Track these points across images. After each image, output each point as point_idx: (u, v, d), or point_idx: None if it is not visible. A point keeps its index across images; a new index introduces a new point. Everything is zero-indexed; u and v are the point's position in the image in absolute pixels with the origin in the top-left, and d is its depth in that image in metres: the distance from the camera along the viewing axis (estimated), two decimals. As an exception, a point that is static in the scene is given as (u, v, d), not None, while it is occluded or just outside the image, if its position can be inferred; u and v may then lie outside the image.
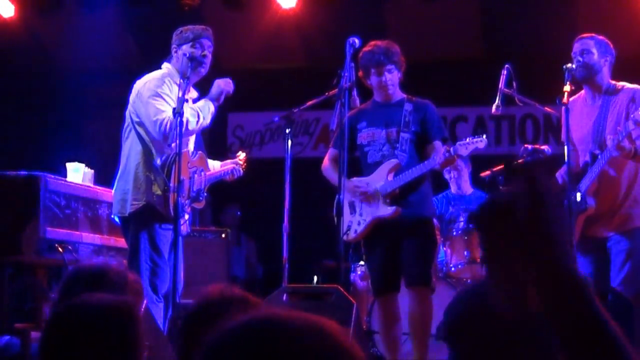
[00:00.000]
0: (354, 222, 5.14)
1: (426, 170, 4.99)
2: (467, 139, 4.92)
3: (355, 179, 5.18)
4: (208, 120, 4.89)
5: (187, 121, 4.71)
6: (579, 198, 4.94)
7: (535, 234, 1.28)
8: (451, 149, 4.88)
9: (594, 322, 1.25)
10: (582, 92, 5.12)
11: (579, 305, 1.26)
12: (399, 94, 5.22)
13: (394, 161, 5.05)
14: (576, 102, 5.02)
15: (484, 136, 4.95)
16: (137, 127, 4.82)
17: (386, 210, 5.04)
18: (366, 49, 5.11)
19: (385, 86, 5.13)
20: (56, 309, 2.09)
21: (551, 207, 1.30)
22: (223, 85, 4.96)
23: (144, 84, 4.84)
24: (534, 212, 1.28)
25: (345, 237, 5.04)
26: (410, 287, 4.99)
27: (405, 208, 5.02)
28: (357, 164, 5.25)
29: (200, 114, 4.81)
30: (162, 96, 4.75)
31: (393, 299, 5.07)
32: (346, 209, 5.09)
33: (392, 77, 5.13)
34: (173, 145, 4.62)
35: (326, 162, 5.34)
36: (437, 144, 5.06)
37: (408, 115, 5.09)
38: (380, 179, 5.07)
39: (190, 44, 4.85)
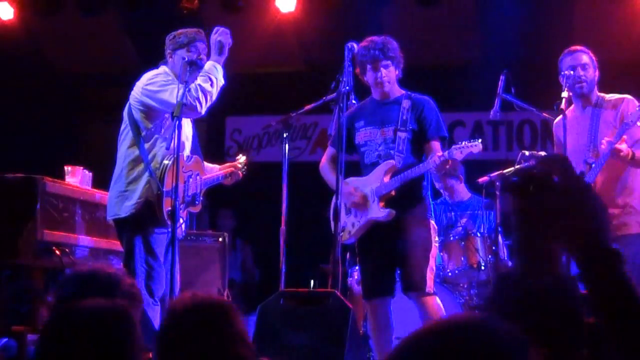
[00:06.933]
0: (349, 223, 5.08)
1: (421, 172, 4.90)
2: (462, 143, 4.82)
3: (351, 179, 5.10)
4: (222, 80, 4.83)
5: (201, 87, 4.68)
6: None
7: (573, 205, 1.36)
8: (446, 153, 4.79)
9: (625, 290, 1.35)
10: (572, 106, 5.13)
11: (612, 274, 1.35)
12: (397, 91, 5.10)
13: (390, 162, 4.96)
14: (566, 116, 5.03)
15: (479, 141, 4.85)
16: (139, 114, 4.78)
17: (380, 213, 4.96)
18: (362, 44, 5.00)
19: (381, 82, 5.02)
20: (51, 313, 2.08)
21: (584, 183, 1.41)
22: (220, 38, 4.85)
23: (149, 80, 4.82)
24: (571, 183, 1.37)
25: (340, 238, 5.06)
26: (408, 293, 4.92)
27: (401, 210, 4.93)
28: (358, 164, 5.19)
29: (211, 76, 4.76)
30: (171, 84, 4.74)
31: (384, 303, 4.98)
32: (342, 210, 5.00)
33: (388, 73, 5.01)
34: (171, 146, 4.60)
35: (324, 161, 5.28)
36: (435, 144, 4.95)
37: (405, 113, 4.98)
38: (376, 180, 4.99)
39: (185, 48, 4.84)
